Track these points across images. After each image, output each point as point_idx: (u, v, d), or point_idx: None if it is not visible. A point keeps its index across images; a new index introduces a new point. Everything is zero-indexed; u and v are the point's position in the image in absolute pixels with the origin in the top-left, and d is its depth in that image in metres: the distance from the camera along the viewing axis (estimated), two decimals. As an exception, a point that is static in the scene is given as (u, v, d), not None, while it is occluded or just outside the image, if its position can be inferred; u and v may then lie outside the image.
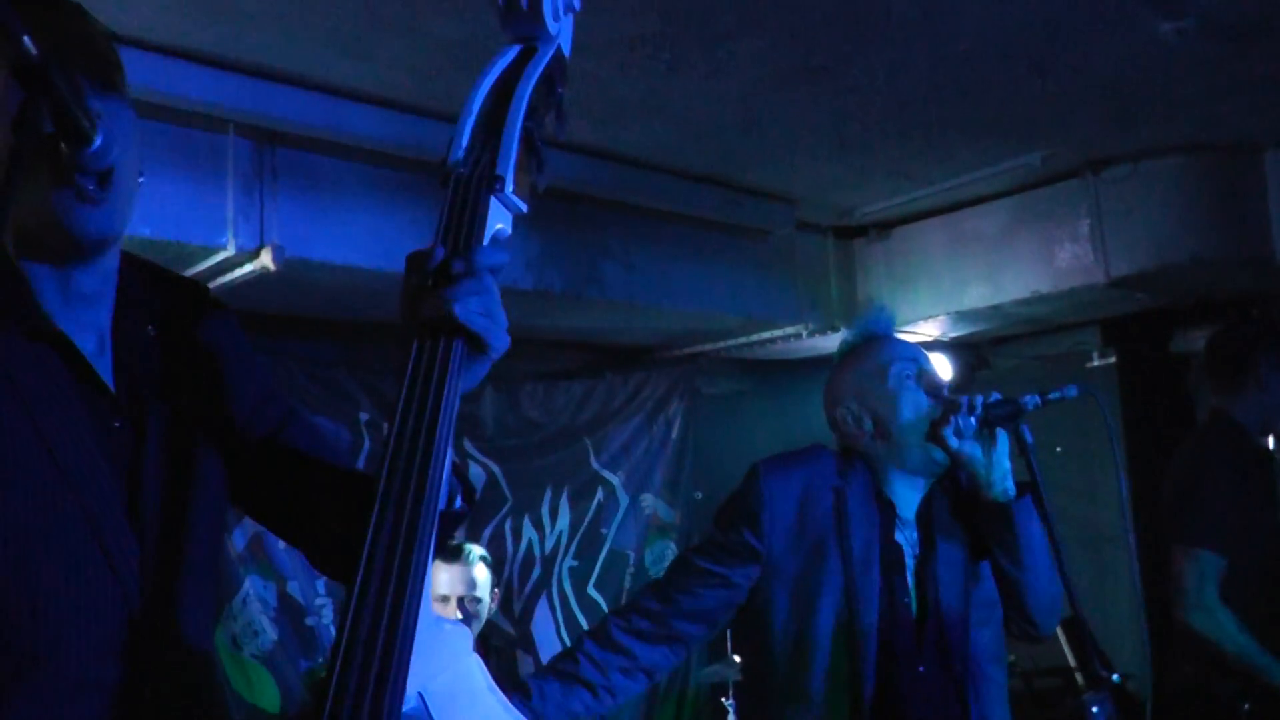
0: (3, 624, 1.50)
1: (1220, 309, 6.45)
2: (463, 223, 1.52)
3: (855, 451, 2.93)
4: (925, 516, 2.87)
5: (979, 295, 6.36)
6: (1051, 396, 2.72)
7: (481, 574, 4.65)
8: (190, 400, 1.72)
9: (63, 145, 1.44)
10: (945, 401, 2.79)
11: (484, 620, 4.72)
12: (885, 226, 6.77)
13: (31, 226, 1.53)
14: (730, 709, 5.94)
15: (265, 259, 4.52)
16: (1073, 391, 2.73)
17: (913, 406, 2.82)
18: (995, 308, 6.40)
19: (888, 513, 2.84)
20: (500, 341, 1.56)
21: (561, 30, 1.68)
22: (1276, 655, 3.74)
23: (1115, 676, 3.43)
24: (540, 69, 1.61)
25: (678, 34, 4.13)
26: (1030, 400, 2.70)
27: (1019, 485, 2.80)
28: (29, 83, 1.36)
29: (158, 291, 1.76)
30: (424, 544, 1.36)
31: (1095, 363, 6.83)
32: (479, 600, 4.63)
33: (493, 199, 1.54)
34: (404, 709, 1.28)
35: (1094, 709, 3.75)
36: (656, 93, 4.64)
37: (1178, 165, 5.71)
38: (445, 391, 1.45)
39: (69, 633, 1.53)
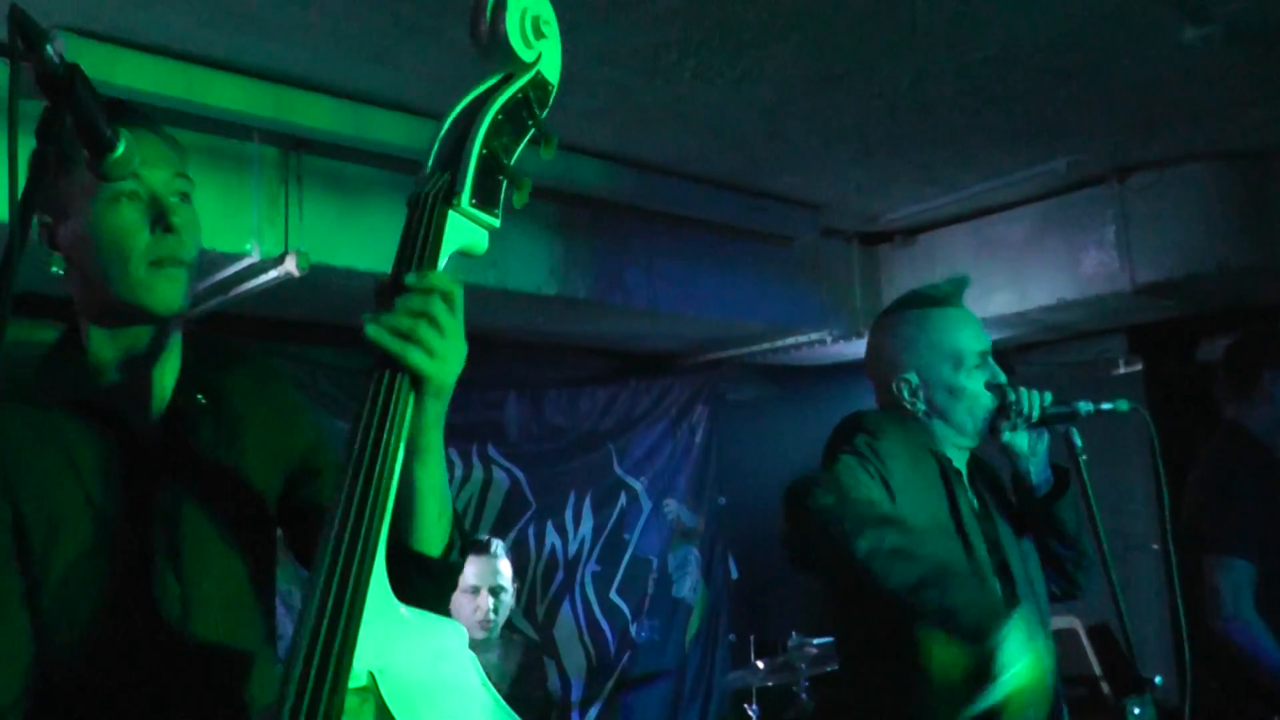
0: (53, 663, 1.73)
1: (1247, 317, 6.41)
2: (417, 240, 1.55)
3: (906, 416, 2.90)
4: (975, 486, 2.91)
5: (1004, 302, 6.34)
6: (1104, 406, 2.77)
7: (505, 566, 4.94)
8: (235, 462, 1.90)
9: (86, 153, 1.48)
10: (1005, 399, 2.82)
11: (509, 608, 4.99)
12: (910, 233, 6.76)
13: (110, 302, 1.79)
14: (754, 714, 5.93)
15: (290, 265, 4.54)
16: (1124, 405, 2.78)
17: (975, 400, 2.82)
18: (1021, 314, 6.38)
19: (955, 474, 2.84)
20: (431, 369, 1.51)
21: (543, 55, 1.73)
22: None
23: (1158, 679, 3.41)
24: (507, 94, 1.68)
25: (702, 40, 4.13)
26: (1084, 406, 2.77)
27: (1056, 474, 2.90)
28: (53, 94, 1.38)
29: (212, 362, 1.95)
30: (367, 563, 1.40)
31: (1121, 370, 6.80)
32: (505, 589, 4.90)
33: (453, 214, 1.58)
34: (351, 685, 1.36)
35: (1135, 711, 3.73)
36: (681, 99, 4.64)
37: (1204, 172, 5.69)
38: (382, 428, 1.45)
39: (113, 671, 1.74)
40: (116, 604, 1.74)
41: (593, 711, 6.63)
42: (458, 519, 1.74)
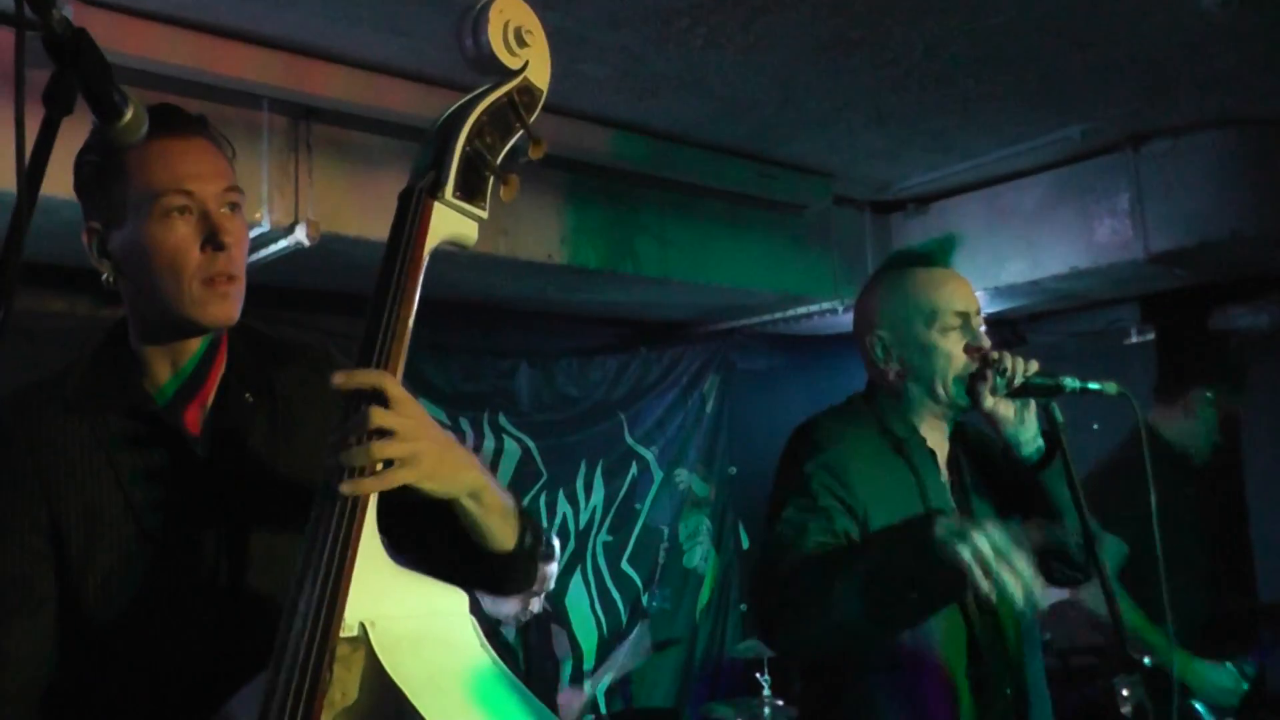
0: (104, 648, 1.80)
1: (1260, 286, 6.38)
2: (405, 229, 1.73)
3: (882, 385, 2.78)
4: (955, 462, 2.78)
5: (1017, 270, 6.31)
6: (1091, 386, 2.67)
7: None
8: (289, 458, 1.91)
9: (95, 118, 1.47)
10: (986, 359, 2.66)
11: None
12: (923, 201, 6.73)
13: (163, 313, 1.83)
14: (765, 684, 5.94)
15: (300, 234, 4.53)
16: (1112, 388, 2.69)
17: (948, 361, 2.67)
18: (1033, 283, 6.35)
19: (926, 454, 2.71)
20: (415, 476, 1.61)
21: (529, 63, 1.86)
22: None
23: (1146, 660, 3.40)
24: (491, 98, 1.82)
25: (714, 7, 4.10)
26: (1070, 382, 2.66)
27: (1049, 444, 2.74)
28: (60, 60, 1.37)
29: (261, 360, 1.98)
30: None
31: (1134, 339, 6.78)
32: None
33: (439, 205, 1.75)
34: (343, 635, 1.51)
35: (1123, 692, 3.74)
36: (693, 67, 4.62)
37: (1219, 139, 5.65)
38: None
39: (159, 655, 1.80)
40: (163, 608, 1.80)
41: (604, 681, 6.65)
42: (522, 511, 1.86)
